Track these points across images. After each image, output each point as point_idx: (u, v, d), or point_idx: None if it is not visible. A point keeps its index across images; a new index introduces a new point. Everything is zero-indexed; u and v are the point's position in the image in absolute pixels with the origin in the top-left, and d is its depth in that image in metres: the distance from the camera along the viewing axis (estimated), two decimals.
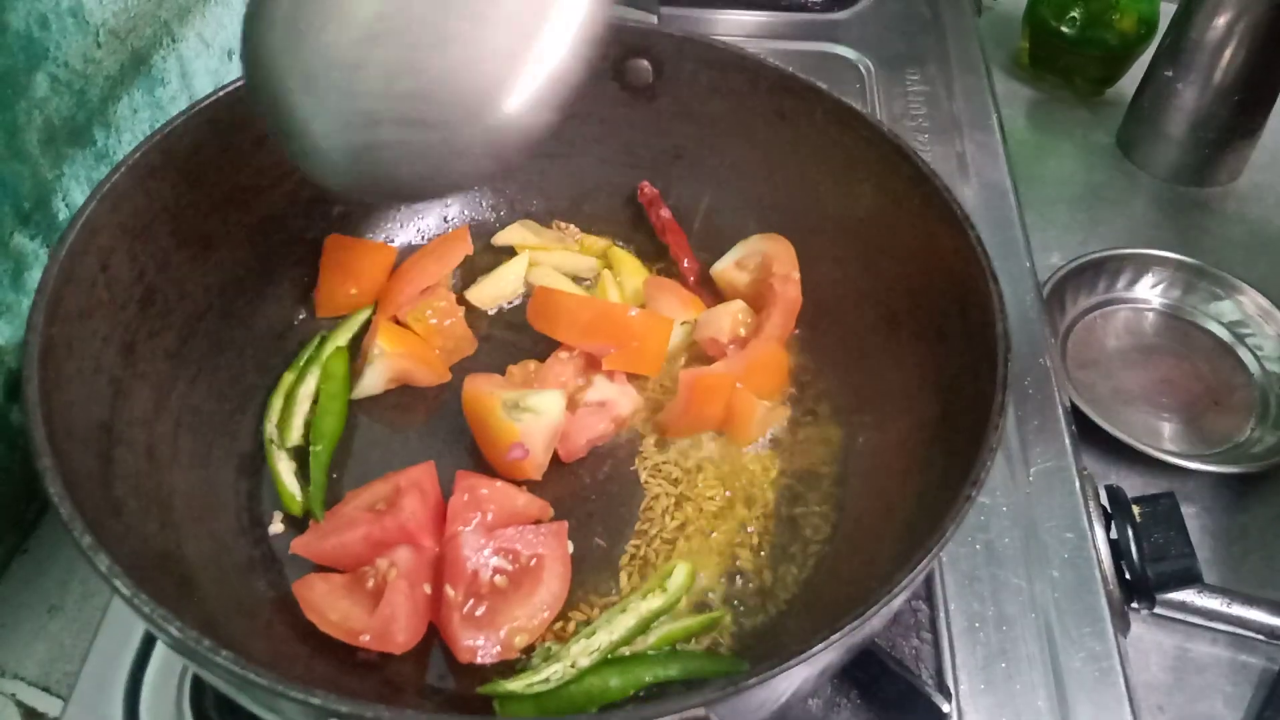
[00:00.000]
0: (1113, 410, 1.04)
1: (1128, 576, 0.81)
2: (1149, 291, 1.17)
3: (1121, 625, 0.80)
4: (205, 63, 1.15)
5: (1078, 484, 0.83)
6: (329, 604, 0.67)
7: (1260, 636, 0.89)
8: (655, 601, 0.69)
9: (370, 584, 0.68)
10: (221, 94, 0.74)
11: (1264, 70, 1.20)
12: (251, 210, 0.79)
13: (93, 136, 1.01)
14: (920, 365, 0.73)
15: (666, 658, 0.67)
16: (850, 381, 0.82)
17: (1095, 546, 0.79)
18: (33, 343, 0.58)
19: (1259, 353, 1.12)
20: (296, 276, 0.85)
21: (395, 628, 0.65)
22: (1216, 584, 0.91)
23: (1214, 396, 1.09)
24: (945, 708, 0.66)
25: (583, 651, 0.66)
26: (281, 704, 0.48)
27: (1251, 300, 1.13)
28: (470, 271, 0.91)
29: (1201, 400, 1.09)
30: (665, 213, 0.92)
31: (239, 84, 0.75)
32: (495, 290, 0.91)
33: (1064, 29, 1.36)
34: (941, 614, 0.74)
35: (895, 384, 0.76)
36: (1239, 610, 0.89)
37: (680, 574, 0.71)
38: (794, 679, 0.49)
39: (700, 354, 0.86)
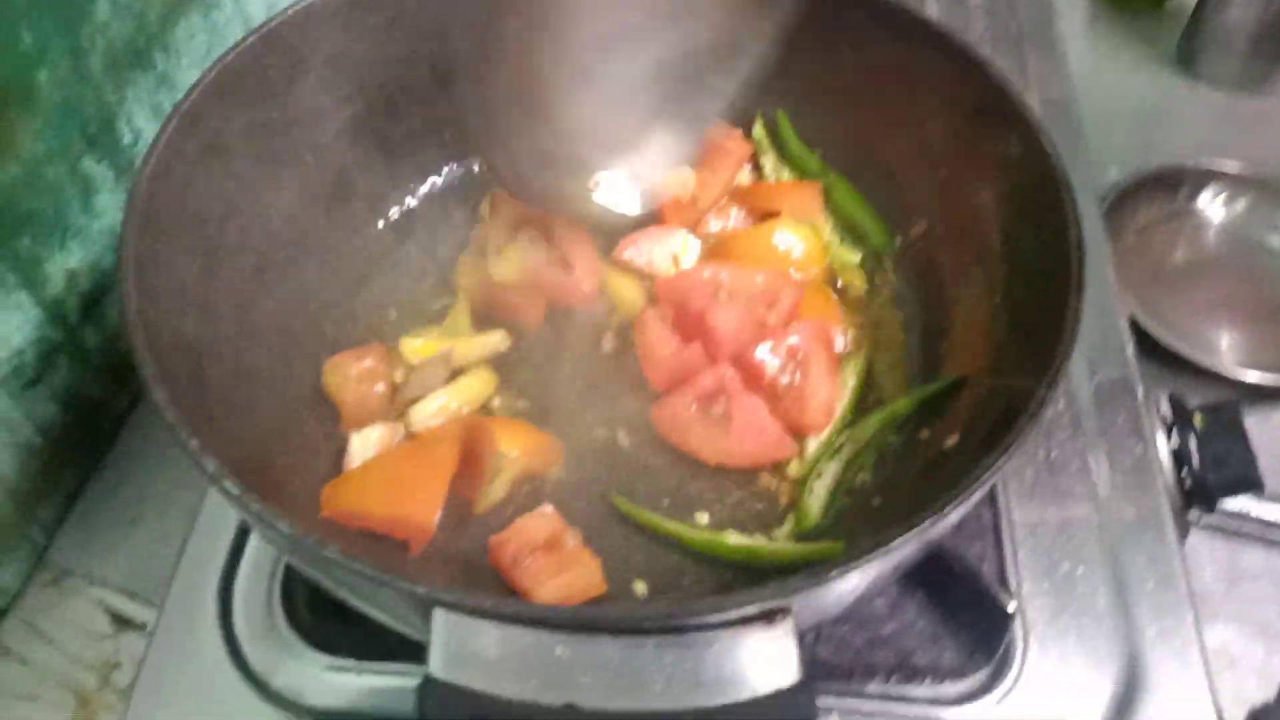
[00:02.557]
0: (1172, 324, 1.04)
1: (1188, 484, 0.82)
2: (1209, 205, 1.16)
3: (1181, 530, 0.81)
4: None
5: (1140, 392, 0.83)
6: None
7: None
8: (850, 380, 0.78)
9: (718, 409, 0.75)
10: (290, 13, 0.75)
11: None
12: (322, 128, 0.80)
13: (153, 60, 1.02)
14: (991, 277, 0.74)
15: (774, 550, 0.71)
16: (922, 300, 0.83)
17: (1157, 453, 0.80)
18: (126, 258, 0.60)
19: None
20: (367, 191, 0.87)
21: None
22: (1274, 496, 0.91)
23: (1272, 310, 1.08)
24: (1010, 607, 0.67)
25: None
26: (385, 595, 0.50)
27: None
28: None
29: (1260, 314, 1.08)
30: None
31: (301, 4, 0.76)
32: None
33: None
34: (1004, 520, 0.76)
35: (966, 298, 0.76)
36: None
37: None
38: (870, 573, 0.51)
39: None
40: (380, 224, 0.89)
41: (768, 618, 0.49)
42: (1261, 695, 0.84)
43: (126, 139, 0.99)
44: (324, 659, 0.70)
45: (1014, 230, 0.71)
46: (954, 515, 0.52)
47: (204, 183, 0.71)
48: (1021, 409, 0.57)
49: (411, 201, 0.91)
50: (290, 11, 0.75)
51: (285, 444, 0.70)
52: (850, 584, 0.52)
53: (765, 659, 0.48)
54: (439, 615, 0.48)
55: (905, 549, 0.50)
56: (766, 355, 0.76)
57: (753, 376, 0.76)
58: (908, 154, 0.82)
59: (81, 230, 0.96)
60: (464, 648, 0.48)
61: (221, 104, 0.71)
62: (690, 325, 0.78)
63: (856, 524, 0.70)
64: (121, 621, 0.91)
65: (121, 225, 0.62)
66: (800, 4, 0.76)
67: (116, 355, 1.02)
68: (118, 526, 0.98)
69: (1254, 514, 0.91)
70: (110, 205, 0.98)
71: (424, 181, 0.91)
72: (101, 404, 1.02)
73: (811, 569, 0.49)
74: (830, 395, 0.77)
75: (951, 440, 0.69)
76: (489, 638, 0.48)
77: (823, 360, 0.77)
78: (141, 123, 1.01)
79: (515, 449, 0.71)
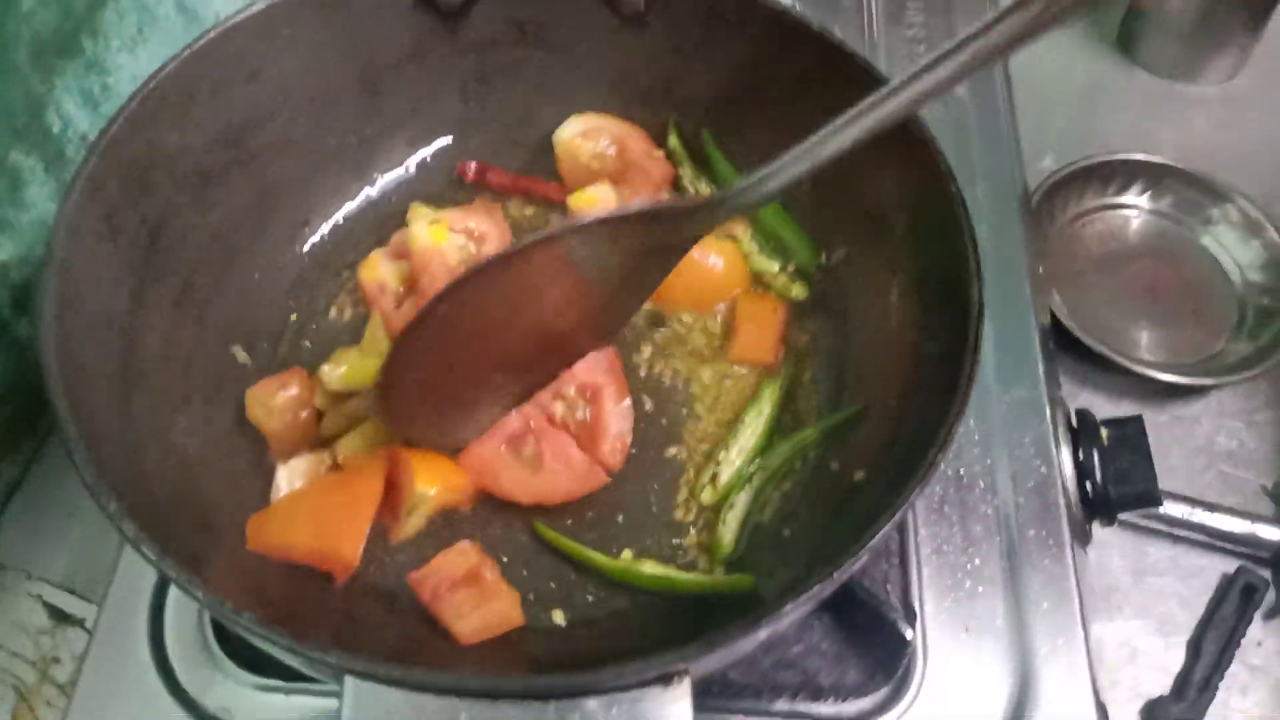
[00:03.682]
0: (1093, 317, 1.07)
1: (1090, 496, 0.86)
2: (1138, 198, 1.18)
3: (1082, 540, 0.85)
4: None
5: (1048, 412, 0.86)
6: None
7: (1219, 542, 0.95)
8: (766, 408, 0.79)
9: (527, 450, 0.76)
10: (212, 35, 0.74)
11: None
12: (246, 146, 0.80)
13: (81, 46, 1.00)
14: (901, 311, 0.76)
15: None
16: (836, 326, 0.85)
17: (1061, 474, 0.83)
18: (46, 308, 0.60)
19: (1241, 262, 1.13)
20: (293, 209, 0.86)
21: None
22: (1180, 492, 0.95)
23: (1194, 305, 1.11)
24: (909, 635, 0.71)
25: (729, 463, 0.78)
26: (300, 660, 0.52)
27: (1239, 209, 1.13)
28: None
29: (1182, 309, 1.11)
30: (495, 175, 0.93)
31: (229, 23, 0.75)
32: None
33: None
34: (911, 538, 0.79)
35: (878, 328, 0.79)
36: (1201, 517, 0.95)
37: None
38: (762, 634, 0.54)
39: None
40: (305, 245, 0.89)
41: (665, 680, 0.52)
42: (1158, 688, 0.89)
43: (56, 127, 0.98)
44: (252, 679, 0.73)
45: (921, 267, 0.73)
46: (842, 576, 0.55)
47: (127, 211, 0.70)
48: (921, 455, 0.60)
49: (336, 220, 0.91)
50: (211, 34, 0.74)
51: (212, 473, 0.71)
52: (745, 644, 0.55)
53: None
54: (350, 682, 0.51)
55: (795, 613, 0.53)
56: (552, 400, 0.78)
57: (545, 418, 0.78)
58: (823, 176, 0.83)
59: (11, 224, 0.95)
60: (373, 712, 0.50)
61: (144, 131, 0.71)
62: None
63: (768, 554, 0.73)
64: (60, 616, 0.93)
65: (42, 269, 0.62)
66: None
67: None
68: (56, 520, 0.99)
69: (1161, 510, 0.95)
70: (40, 196, 0.97)
71: (352, 197, 0.91)
72: (38, 396, 1.01)
73: (705, 637, 0.51)
74: (623, 429, 0.78)
75: (859, 475, 0.71)
76: (397, 703, 0.50)
77: (611, 393, 0.78)
78: (71, 109, 1.00)
79: (434, 486, 0.72)
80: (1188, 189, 1.16)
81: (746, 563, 0.73)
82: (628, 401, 0.79)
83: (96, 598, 0.88)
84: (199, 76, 0.74)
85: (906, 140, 0.71)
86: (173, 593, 0.77)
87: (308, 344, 0.85)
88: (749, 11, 0.79)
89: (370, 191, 0.91)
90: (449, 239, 0.83)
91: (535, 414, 0.77)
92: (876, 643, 0.74)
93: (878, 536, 0.55)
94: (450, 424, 0.75)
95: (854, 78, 0.74)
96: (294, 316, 0.86)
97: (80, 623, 0.92)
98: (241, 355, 0.81)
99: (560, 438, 0.76)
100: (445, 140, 0.93)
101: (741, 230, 0.88)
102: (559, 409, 0.77)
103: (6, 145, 0.93)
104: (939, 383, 0.64)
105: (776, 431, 0.80)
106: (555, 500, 0.76)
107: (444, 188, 0.92)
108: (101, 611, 0.78)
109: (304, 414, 0.75)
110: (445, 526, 0.76)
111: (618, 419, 0.78)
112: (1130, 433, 0.87)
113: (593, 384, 0.78)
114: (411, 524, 0.74)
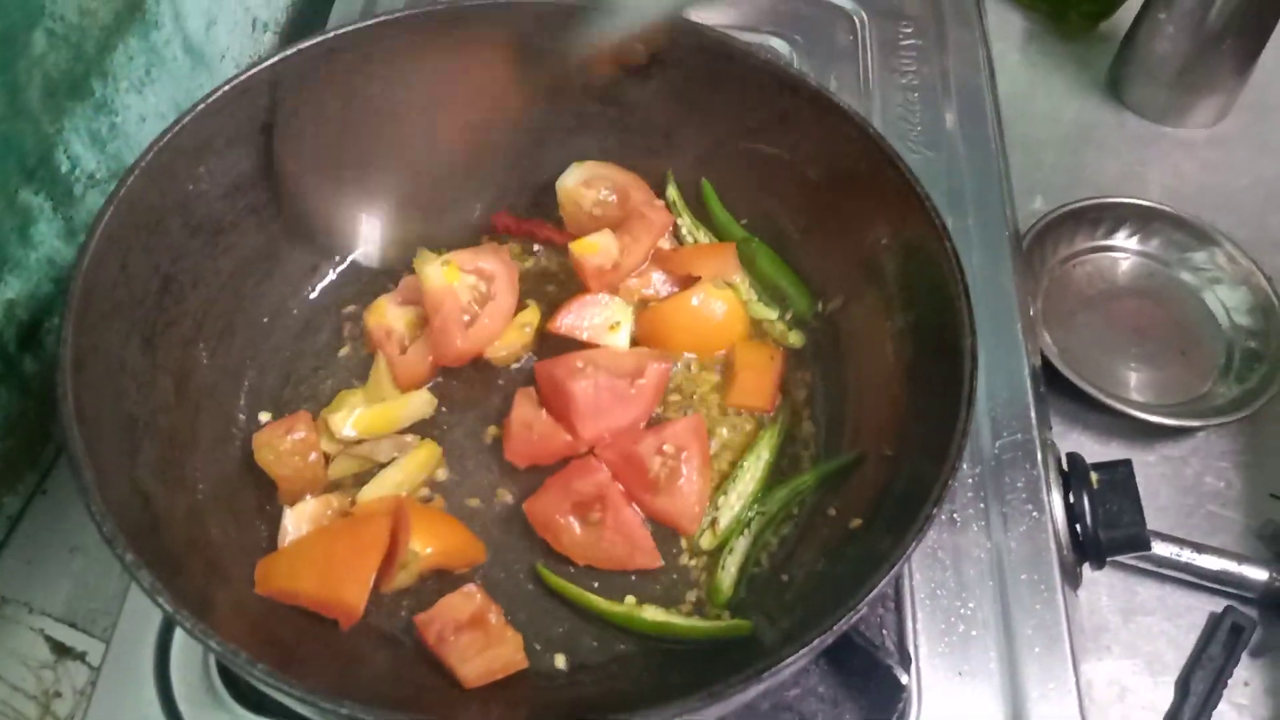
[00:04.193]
0: (1083, 358, 1.09)
1: (1081, 539, 0.88)
2: (1127, 240, 1.20)
3: (1072, 582, 0.86)
4: (197, 2, 1.15)
5: (1039, 456, 0.88)
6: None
7: (1207, 582, 0.96)
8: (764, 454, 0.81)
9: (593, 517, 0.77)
10: (226, 88, 0.76)
11: (1255, 16, 1.20)
12: (257, 193, 0.81)
13: (91, 88, 1.02)
14: (896, 360, 0.78)
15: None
16: (831, 373, 0.87)
17: (1052, 518, 0.85)
18: (64, 358, 0.61)
19: (1229, 305, 1.15)
20: (302, 254, 0.88)
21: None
22: (1169, 532, 0.97)
23: (1182, 347, 1.13)
24: (904, 680, 0.72)
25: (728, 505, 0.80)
26: (312, 710, 0.54)
27: (1225, 252, 1.15)
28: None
29: (1169, 351, 1.12)
30: (500, 218, 0.96)
31: (243, 77, 0.77)
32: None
33: None
34: (906, 583, 0.81)
35: (873, 376, 0.80)
36: (1189, 557, 0.96)
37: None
38: (759, 688, 0.55)
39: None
40: (314, 290, 0.90)
41: None
42: None
43: (64, 168, 0.99)
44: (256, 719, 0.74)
45: (916, 318, 0.75)
46: (841, 629, 0.56)
47: (142, 260, 0.72)
48: (917, 507, 0.62)
49: (345, 265, 0.92)
50: (225, 88, 0.76)
51: (220, 515, 0.73)
52: (746, 694, 0.56)
53: None
54: None
55: (795, 664, 0.54)
56: (647, 450, 0.79)
57: (633, 469, 0.79)
58: (819, 227, 0.86)
59: (19, 262, 0.96)
60: None
61: (159, 183, 0.72)
62: (554, 399, 0.80)
63: (767, 599, 0.75)
64: (62, 650, 0.94)
65: (61, 323, 0.63)
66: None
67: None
68: (59, 554, 0.99)
69: (1150, 552, 0.96)
70: (48, 234, 0.99)
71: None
72: (41, 430, 1.03)
73: (708, 689, 0.53)
74: (702, 498, 0.80)
75: (856, 523, 0.73)
76: None
77: (696, 460, 0.80)
78: (79, 149, 1.01)
79: (429, 547, 0.73)
80: (1176, 232, 1.18)
81: (746, 607, 0.75)
82: (708, 469, 0.81)
83: (98, 632, 0.89)
84: (213, 130, 0.76)
85: (902, 195, 0.73)
86: (179, 632, 0.78)
87: (315, 387, 0.86)
88: (747, 66, 0.81)
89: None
90: (460, 278, 0.84)
91: (610, 485, 0.78)
92: (872, 686, 0.75)
93: (875, 589, 0.56)
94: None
95: (849, 133, 0.77)
96: (302, 359, 0.87)
97: (82, 656, 0.93)
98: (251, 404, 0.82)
99: (628, 514, 0.78)
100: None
101: (740, 278, 0.90)
102: (651, 462, 0.79)
103: (17, 185, 0.94)
104: (934, 433, 0.66)
105: (774, 477, 0.82)
106: (607, 568, 0.78)
107: (450, 234, 0.93)
108: (108, 649, 0.79)
109: (311, 457, 0.77)
110: (447, 576, 0.77)
111: (697, 487, 0.79)
112: (1120, 477, 0.89)
113: (683, 445, 0.79)
114: (401, 578, 0.74)
